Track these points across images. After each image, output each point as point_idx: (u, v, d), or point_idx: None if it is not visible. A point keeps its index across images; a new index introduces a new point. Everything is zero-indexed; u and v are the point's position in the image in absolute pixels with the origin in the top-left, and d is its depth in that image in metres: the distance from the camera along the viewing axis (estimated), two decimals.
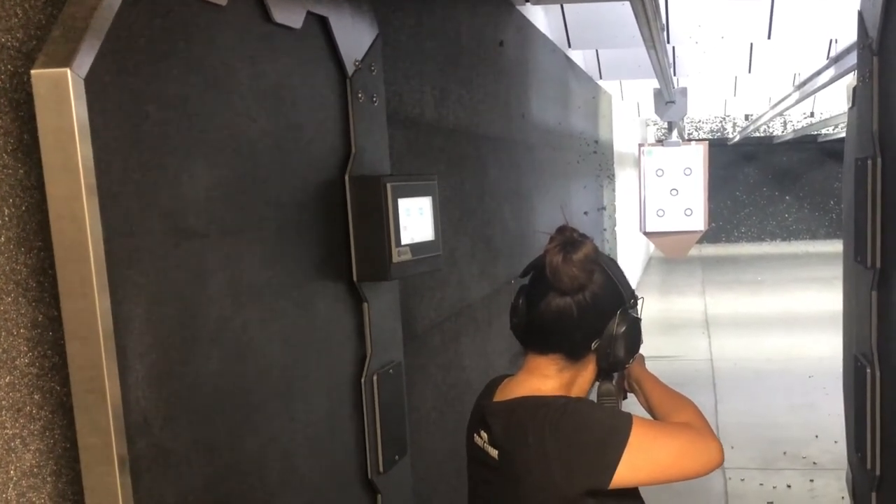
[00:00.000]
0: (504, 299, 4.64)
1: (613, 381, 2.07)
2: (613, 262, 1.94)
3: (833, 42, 7.80)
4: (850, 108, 2.98)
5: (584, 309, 1.83)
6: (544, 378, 1.89)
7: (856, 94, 2.75)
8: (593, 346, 1.87)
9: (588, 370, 1.92)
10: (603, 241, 9.78)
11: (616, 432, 1.74)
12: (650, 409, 2.08)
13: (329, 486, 2.16)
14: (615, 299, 1.88)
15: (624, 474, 1.72)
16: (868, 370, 2.47)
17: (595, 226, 9.18)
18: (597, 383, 2.10)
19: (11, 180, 1.34)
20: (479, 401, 2.01)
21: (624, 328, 1.87)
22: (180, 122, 1.59)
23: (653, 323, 12.13)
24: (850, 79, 8.64)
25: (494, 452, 1.86)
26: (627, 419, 1.77)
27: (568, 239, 1.84)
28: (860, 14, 2.55)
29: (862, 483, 2.75)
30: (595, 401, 2.04)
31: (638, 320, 1.92)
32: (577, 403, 1.82)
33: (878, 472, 2.49)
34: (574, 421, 1.77)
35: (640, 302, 1.97)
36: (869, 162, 2.39)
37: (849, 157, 2.98)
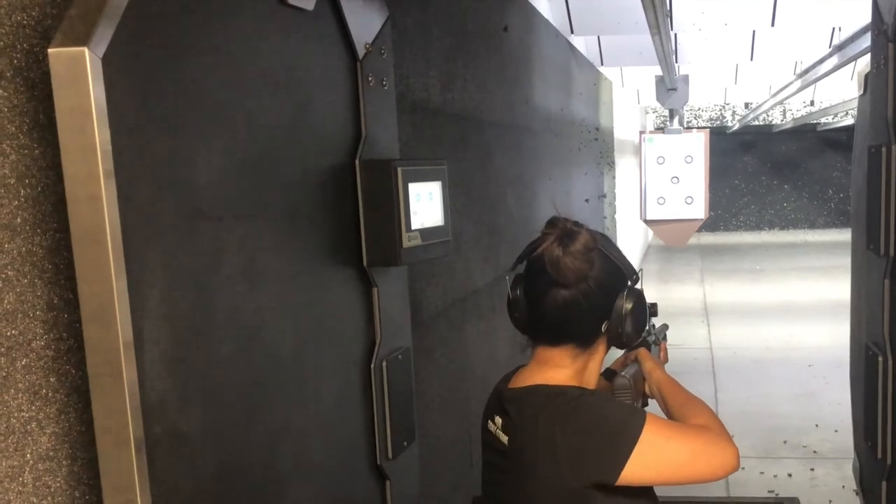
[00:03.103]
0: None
1: (629, 376, 2.06)
2: (606, 240, 1.91)
3: (836, 30, 7.78)
4: (862, 96, 2.96)
5: (590, 296, 1.82)
6: (558, 368, 1.88)
7: (868, 81, 2.74)
8: (603, 328, 1.86)
9: (599, 352, 1.91)
10: (603, 229, 9.77)
11: (628, 428, 1.71)
12: (667, 412, 2.04)
13: (339, 471, 2.15)
14: (618, 278, 1.86)
15: (633, 471, 1.70)
16: (880, 359, 2.46)
17: (595, 213, 9.18)
18: (615, 379, 2.09)
19: (28, 160, 1.33)
20: (497, 386, 2.00)
21: (631, 304, 1.85)
22: (195, 104, 1.57)
23: None
24: (854, 66, 8.62)
25: (505, 439, 1.85)
26: (641, 416, 1.74)
27: (563, 231, 1.81)
28: (875, 0, 2.53)
29: (871, 472, 2.74)
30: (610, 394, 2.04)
31: (641, 293, 1.90)
32: (591, 397, 1.80)
33: (889, 462, 2.49)
34: (586, 413, 1.75)
35: (640, 273, 1.94)
36: (883, 149, 2.37)
37: (860, 144, 2.97)
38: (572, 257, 1.78)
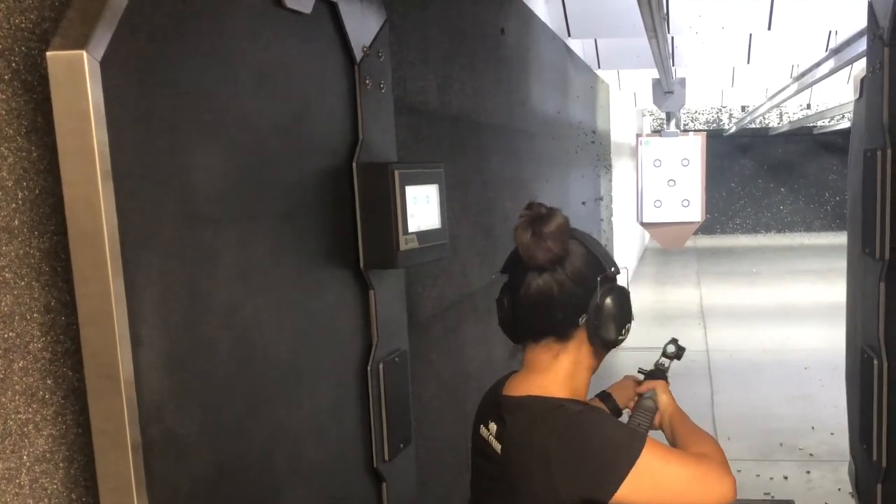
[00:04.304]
0: None
1: (653, 398, 2.06)
2: (587, 235, 1.89)
3: (833, 33, 7.79)
4: (858, 99, 2.97)
5: (563, 283, 1.79)
6: (544, 373, 1.86)
7: (864, 84, 2.75)
8: (581, 321, 1.81)
9: (583, 354, 1.86)
10: (600, 232, 9.78)
11: (626, 450, 1.70)
12: (672, 443, 2.02)
13: (335, 473, 2.15)
14: (596, 269, 1.81)
15: (626, 494, 1.68)
16: (875, 362, 2.47)
17: (592, 216, 9.18)
18: (636, 397, 2.08)
19: (25, 163, 1.33)
20: (492, 390, 1.98)
21: (610, 297, 1.80)
22: (193, 107, 1.57)
23: (648, 314, 12.15)
24: (851, 70, 8.64)
25: (498, 447, 1.83)
26: (640, 439, 1.73)
27: (535, 214, 1.79)
28: (870, 4, 2.54)
29: (866, 475, 2.75)
30: (629, 413, 2.03)
31: (624, 289, 1.84)
32: (591, 414, 1.79)
33: (884, 464, 2.49)
34: (585, 430, 1.73)
35: (623, 273, 1.90)
36: (878, 153, 2.38)
37: (855, 148, 2.97)
38: (543, 239, 1.76)
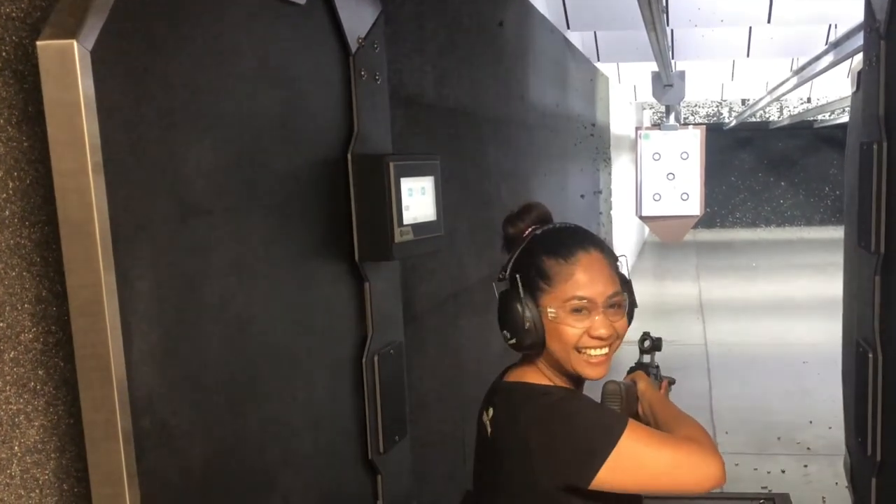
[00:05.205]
0: None
1: (621, 384, 2.04)
2: (547, 236, 1.87)
3: (833, 27, 7.78)
4: (855, 93, 2.97)
5: (506, 290, 1.85)
6: (532, 361, 1.88)
7: (861, 78, 2.74)
8: None
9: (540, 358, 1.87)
10: (598, 225, 9.78)
11: (605, 433, 1.69)
12: (655, 427, 2.01)
13: (329, 465, 2.15)
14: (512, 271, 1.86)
15: (607, 477, 1.66)
16: (870, 355, 2.47)
17: (591, 209, 9.18)
18: (605, 385, 2.08)
19: (16, 153, 1.33)
20: (495, 380, 2.00)
21: (502, 300, 1.84)
22: (185, 98, 1.56)
23: (647, 308, 12.14)
24: (851, 64, 8.63)
25: (489, 430, 1.85)
26: (622, 422, 1.71)
27: (507, 216, 1.92)
28: None
29: (861, 469, 2.75)
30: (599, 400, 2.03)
31: (510, 292, 1.83)
32: (572, 400, 1.79)
33: (878, 458, 2.49)
34: (566, 415, 1.73)
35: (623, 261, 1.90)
36: (875, 146, 2.38)
37: (852, 141, 2.97)
38: (505, 235, 1.90)
